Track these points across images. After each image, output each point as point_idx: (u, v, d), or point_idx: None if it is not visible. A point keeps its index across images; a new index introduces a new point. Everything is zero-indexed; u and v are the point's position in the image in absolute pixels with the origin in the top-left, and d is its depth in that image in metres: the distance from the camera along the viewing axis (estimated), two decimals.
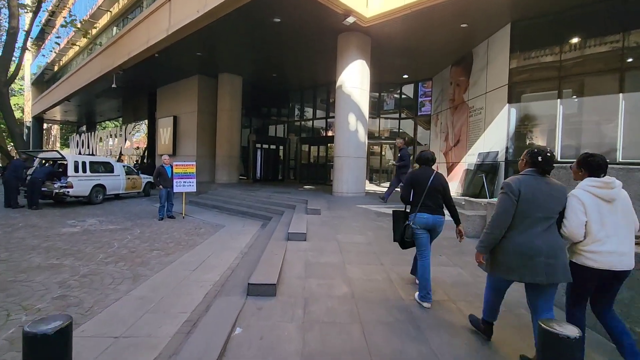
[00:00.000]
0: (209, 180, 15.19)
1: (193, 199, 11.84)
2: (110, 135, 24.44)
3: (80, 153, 30.47)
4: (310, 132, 17.45)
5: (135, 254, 5.45)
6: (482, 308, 2.72)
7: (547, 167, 2.37)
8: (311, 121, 17.31)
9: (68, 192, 10.22)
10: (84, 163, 10.86)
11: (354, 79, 10.09)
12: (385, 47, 10.87)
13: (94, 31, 20.01)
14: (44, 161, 11.32)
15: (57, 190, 10.10)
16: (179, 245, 6.03)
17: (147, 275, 4.41)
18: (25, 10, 14.33)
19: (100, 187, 11.46)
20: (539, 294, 2.33)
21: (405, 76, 14.32)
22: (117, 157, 20.38)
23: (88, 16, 19.87)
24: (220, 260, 5.06)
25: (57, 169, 10.92)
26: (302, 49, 11.35)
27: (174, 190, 8.93)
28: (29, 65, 35.13)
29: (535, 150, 2.41)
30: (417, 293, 3.35)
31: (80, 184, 10.65)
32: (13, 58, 14.75)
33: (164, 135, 16.93)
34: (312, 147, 17.14)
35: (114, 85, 15.08)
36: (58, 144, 49.20)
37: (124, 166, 12.98)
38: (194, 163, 9.21)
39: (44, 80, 32.92)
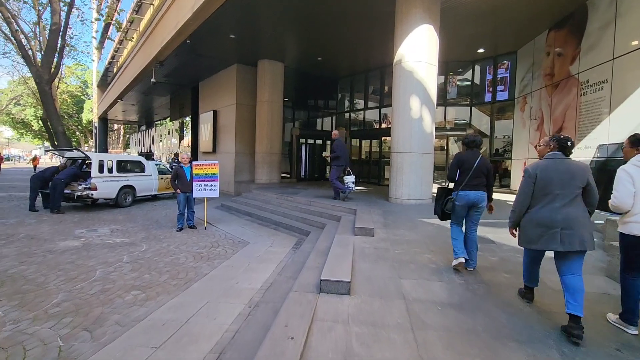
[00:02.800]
0: (249, 180, 13.73)
1: (226, 203, 10.36)
2: (169, 133, 24.67)
3: (141, 152, 31.64)
4: (361, 125, 15.21)
5: (106, 295, 3.82)
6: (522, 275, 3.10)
7: (570, 151, 2.77)
8: (362, 112, 15.06)
9: (92, 194, 9.27)
10: (110, 162, 9.89)
11: (419, 50, 7.70)
12: (459, 9, 8.29)
13: (142, 25, 19.71)
14: (72, 161, 10.59)
15: (79, 193, 9.19)
16: (173, 281, 4.32)
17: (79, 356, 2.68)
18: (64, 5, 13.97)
19: (129, 189, 10.47)
20: (562, 260, 2.65)
21: (481, 50, 11.43)
22: (173, 155, 20.10)
23: (131, 11, 19.61)
24: (209, 324, 3.19)
25: (83, 170, 10.08)
26: (351, 21, 9.18)
27: (194, 196, 7.39)
28: (95, 67, 37.29)
29: (562, 137, 2.82)
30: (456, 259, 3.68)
31: (105, 186, 9.68)
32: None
33: (205, 131, 15.88)
34: (363, 141, 14.91)
35: (153, 80, 14.25)
36: (121, 144, 52.63)
37: (156, 165, 11.97)
38: (217, 162, 7.58)
39: (107, 82, 34.63)
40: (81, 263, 4.96)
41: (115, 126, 50.91)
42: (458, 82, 12.99)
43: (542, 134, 9.66)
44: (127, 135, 47.40)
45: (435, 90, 8.05)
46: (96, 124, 35.74)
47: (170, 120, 24.99)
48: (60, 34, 13.41)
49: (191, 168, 7.43)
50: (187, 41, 10.92)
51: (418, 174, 7.81)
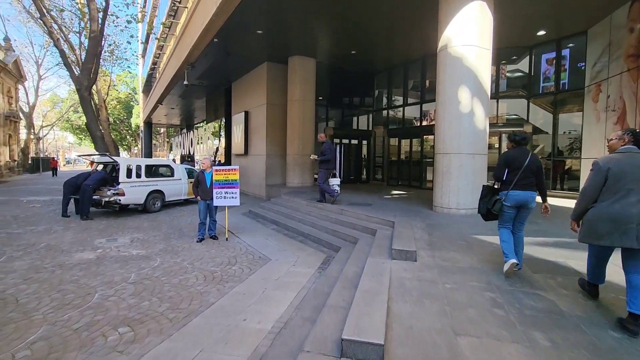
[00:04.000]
0: (280, 184, 13.11)
1: (253, 209, 9.77)
2: (206, 135, 25.03)
3: (182, 155, 32.52)
4: (400, 123, 14.01)
5: (90, 331, 3.22)
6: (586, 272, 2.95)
7: None
8: (401, 108, 13.86)
9: (119, 200, 9.08)
10: (138, 167, 9.68)
11: (468, 32, 6.51)
12: None
13: (178, 29, 19.95)
14: (102, 166, 10.57)
15: (107, 199, 9.03)
16: (172, 313, 3.65)
17: None
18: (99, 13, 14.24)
19: (157, 194, 10.24)
20: (631, 257, 2.55)
21: (541, 33, 9.83)
22: (214, 157, 20.17)
23: (166, 16, 19.88)
24: None
25: (112, 174, 9.97)
26: (388, 5, 8.14)
27: (214, 204, 6.79)
28: (140, 74, 39.08)
29: (638, 130, 2.75)
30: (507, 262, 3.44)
31: (133, 191, 9.48)
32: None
33: (237, 132, 15.54)
34: (402, 140, 13.71)
35: (185, 83, 14.15)
36: (166, 147, 54.94)
37: (186, 168, 11.70)
38: (237, 167, 6.92)
39: (150, 87, 36.09)
40: (84, 283, 4.48)
41: (162, 130, 53.39)
42: (510, 73, 11.40)
43: (623, 127, 7.97)
44: (171, 138, 49.41)
45: (488, 79, 6.81)
46: (142, 128, 37.42)
47: (206, 123, 25.25)
48: (98, 40, 13.64)
49: (212, 173, 6.85)
50: (215, 40, 10.49)
51: (468, 179, 6.62)
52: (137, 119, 45.09)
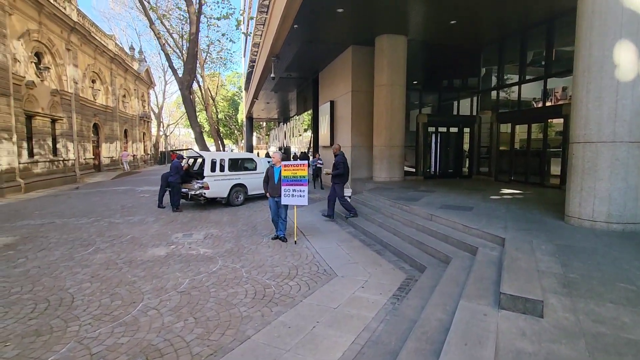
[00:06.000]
0: (366, 178, 12.00)
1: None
2: (300, 128, 25.41)
3: (280, 148, 33.87)
4: (514, 105, 11.36)
5: (107, 359, 2.75)
6: None
7: None
8: (516, 87, 11.19)
9: (204, 193, 9.29)
10: (222, 161, 9.78)
11: None
12: None
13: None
14: (191, 160, 11.05)
15: (193, 192, 9.33)
16: (197, 347, 2.99)
17: None
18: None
19: (240, 187, 10.26)
20: None
21: None
22: (307, 149, 20.32)
23: (257, 11, 20.30)
24: None
25: (199, 169, 10.31)
26: None
27: (282, 202, 6.14)
28: (243, 72, 42.01)
29: None
30: None
31: (217, 185, 9.61)
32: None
33: (323, 123, 14.92)
34: (517, 126, 11.09)
35: (272, 75, 14.08)
36: (265, 140, 58.55)
37: (269, 162, 11.52)
38: (306, 162, 6.10)
39: (249, 83, 38.48)
40: (138, 287, 4.25)
41: (263, 124, 57.46)
42: None
43: None
44: (269, 132, 52.65)
45: None
46: (245, 123, 40.56)
47: (297, 115, 25.50)
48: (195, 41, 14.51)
49: (280, 170, 6.21)
50: (295, 26, 9.88)
51: (629, 180, 4.48)
52: (242, 114, 49.27)
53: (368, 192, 9.00)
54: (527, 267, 3.20)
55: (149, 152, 36.19)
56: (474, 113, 13.14)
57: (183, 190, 9.51)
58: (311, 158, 15.69)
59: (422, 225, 5.72)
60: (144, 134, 33.55)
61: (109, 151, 23.72)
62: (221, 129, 51.70)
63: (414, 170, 12.82)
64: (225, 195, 9.86)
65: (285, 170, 6.13)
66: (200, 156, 9.92)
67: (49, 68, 15.34)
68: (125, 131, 27.99)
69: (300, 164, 6.06)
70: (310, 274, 4.70)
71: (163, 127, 47.16)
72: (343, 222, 7.70)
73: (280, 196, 6.17)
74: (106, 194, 12.90)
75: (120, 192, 13.63)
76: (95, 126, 21.65)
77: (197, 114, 49.18)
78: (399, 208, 6.97)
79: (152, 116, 39.94)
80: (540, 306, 2.55)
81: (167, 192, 9.89)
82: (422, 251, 5.00)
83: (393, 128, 10.87)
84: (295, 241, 6.22)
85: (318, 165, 13.89)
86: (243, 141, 56.76)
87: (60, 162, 16.59)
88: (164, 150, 44.90)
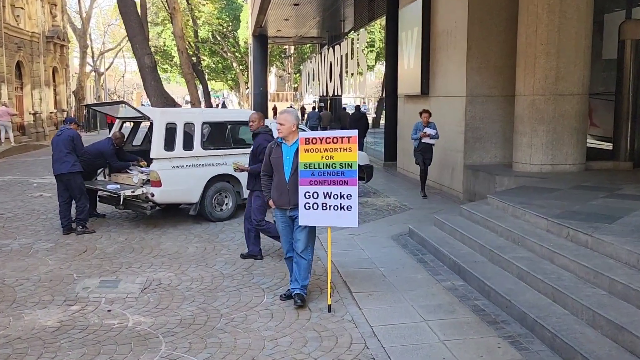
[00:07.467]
0: (498, 162, 6.93)
1: (418, 227, 4.39)
2: (358, 59, 12.03)
3: (320, 101, 19.01)
4: None
5: None
6: None
7: None
8: None
9: (151, 195, 5.33)
10: (190, 127, 5.18)
11: None
12: None
13: None
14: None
15: (129, 193, 5.31)
16: None
17: None
18: None
19: (226, 183, 6.25)
20: None
21: None
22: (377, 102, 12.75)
23: None
24: None
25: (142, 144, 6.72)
26: None
27: (300, 222, 2.84)
28: None
29: None
30: None
31: (178, 177, 5.24)
32: None
33: (407, 48, 8.90)
34: None
35: None
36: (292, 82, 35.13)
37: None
38: (355, 135, 2.37)
39: None
40: None
41: (290, 49, 32.37)
42: None
43: None
44: (301, 67, 28.20)
45: None
46: (251, 45, 22.89)
47: (354, 31, 15.19)
48: None
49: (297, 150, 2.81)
50: None
51: None
52: (245, 31, 26.98)
53: (500, 198, 4.53)
54: None
55: (64, 108, 21.20)
56: None
57: (108, 187, 5.51)
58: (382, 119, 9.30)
59: (622, 287, 2.21)
60: (54, 70, 19.94)
61: None
62: (206, 60, 29.88)
63: (609, 147, 6.97)
64: (196, 198, 5.49)
65: (305, 153, 2.75)
66: (145, 117, 5.70)
67: None
68: (18, 65, 16.25)
69: (344, 137, 2.65)
70: None
71: (92, 56, 28.22)
72: (437, 263, 3.93)
73: (296, 207, 2.87)
74: None
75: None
76: None
77: (154, 27, 26.46)
78: (567, 239, 3.31)
79: (73, 35, 24.30)
80: None
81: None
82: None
83: (565, 53, 5.66)
84: (330, 305, 2.92)
85: (425, 140, 6.82)
86: (249, 84, 27.19)
87: None
88: (95, 101, 26.42)
